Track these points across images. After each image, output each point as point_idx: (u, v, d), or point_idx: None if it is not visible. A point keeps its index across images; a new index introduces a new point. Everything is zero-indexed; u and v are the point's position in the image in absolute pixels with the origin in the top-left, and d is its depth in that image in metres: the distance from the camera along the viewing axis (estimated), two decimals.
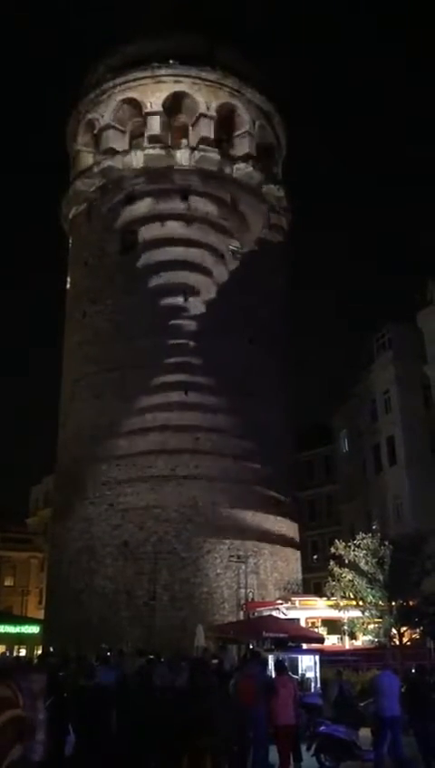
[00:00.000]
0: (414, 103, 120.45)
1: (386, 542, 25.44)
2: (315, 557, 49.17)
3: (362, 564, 24.94)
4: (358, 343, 50.69)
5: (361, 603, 24.86)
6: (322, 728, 12.92)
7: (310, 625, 25.98)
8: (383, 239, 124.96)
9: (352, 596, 25.04)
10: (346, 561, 25.39)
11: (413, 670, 13.28)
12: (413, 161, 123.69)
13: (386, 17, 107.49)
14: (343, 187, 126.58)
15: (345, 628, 25.84)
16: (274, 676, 12.23)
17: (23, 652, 35.14)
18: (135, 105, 38.15)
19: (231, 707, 8.11)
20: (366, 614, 24.85)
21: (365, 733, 13.08)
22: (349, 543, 26.02)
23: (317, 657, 19.97)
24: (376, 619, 24.72)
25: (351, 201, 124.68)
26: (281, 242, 41.26)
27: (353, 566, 25.08)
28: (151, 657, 18.12)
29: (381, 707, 11.63)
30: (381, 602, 24.33)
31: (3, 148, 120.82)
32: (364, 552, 25.21)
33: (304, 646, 21.92)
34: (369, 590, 24.45)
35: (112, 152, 37.68)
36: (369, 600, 24.46)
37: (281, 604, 26.34)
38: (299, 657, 20.12)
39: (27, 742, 1.81)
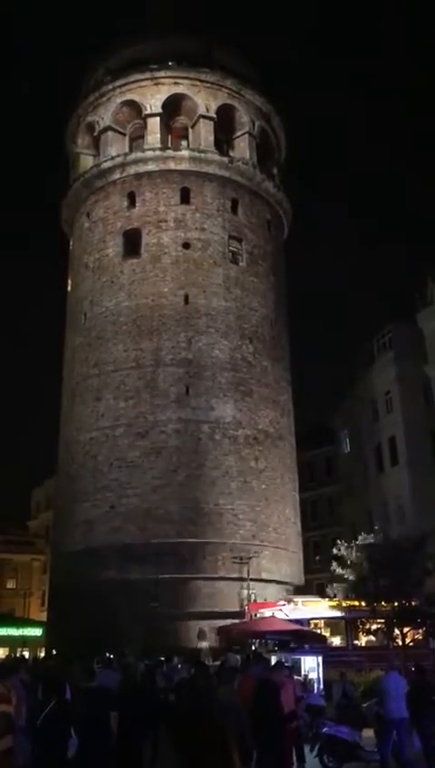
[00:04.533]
0: (414, 101, 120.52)
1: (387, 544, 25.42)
2: (317, 558, 49.11)
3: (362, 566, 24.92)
4: (359, 343, 50.68)
5: (363, 604, 24.82)
6: (325, 729, 12.88)
7: (312, 626, 25.92)
8: (383, 239, 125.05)
9: (353, 596, 25.01)
10: (348, 563, 25.36)
11: (413, 670, 13.25)
12: (414, 161, 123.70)
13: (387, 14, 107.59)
14: (343, 187, 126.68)
15: (348, 628, 25.75)
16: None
17: (26, 654, 35.10)
18: (134, 107, 38.19)
19: (233, 707, 8.11)
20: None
21: (368, 733, 13.05)
22: (350, 545, 26.00)
23: (320, 658, 19.93)
24: (379, 620, 24.68)
25: (350, 201, 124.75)
26: (281, 242, 41.33)
27: (355, 567, 25.06)
28: (162, 659, 18.23)
29: (388, 709, 11.60)
30: (383, 603, 24.29)
31: (2, 152, 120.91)
32: (365, 553, 25.18)
33: (307, 647, 21.87)
34: (372, 590, 24.42)
35: (112, 154, 37.72)
36: (371, 602, 24.42)
37: (283, 605, 26.30)
38: (302, 657, 20.09)
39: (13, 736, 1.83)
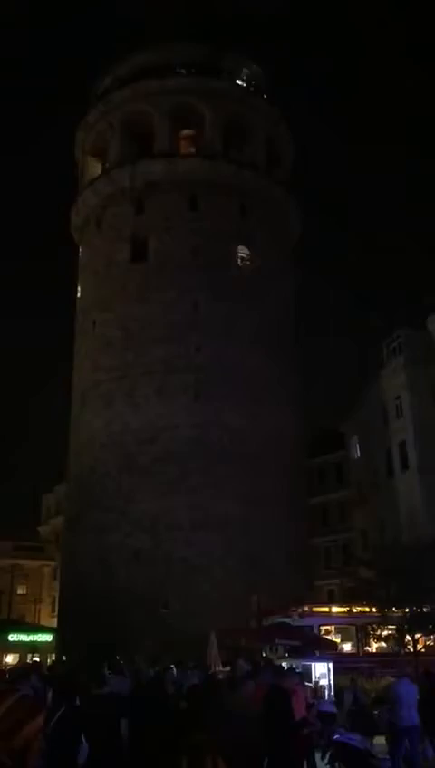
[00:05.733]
0: (419, 105, 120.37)
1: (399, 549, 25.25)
2: (328, 563, 48.90)
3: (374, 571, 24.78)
4: (368, 348, 50.59)
5: (374, 610, 24.65)
6: (336, 736, 12.78)
7: (323, 632, 25.76)
8: (393, 242, 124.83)
9: (365, 602, 24.84)
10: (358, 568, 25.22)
11: (423, 676, 13.15)
12: (419, 162, 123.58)
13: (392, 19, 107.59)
14: (351, 190, 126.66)
15: (359, 635, 25.61)
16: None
17: (36, 659, 35.08)
18: (143, 115, 38.35)
19: (239, 713, 8.08)
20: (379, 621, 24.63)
21: (380, 741, 12.95)
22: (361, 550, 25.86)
23: (331, 665, 19.81)
24: (390, 626, 24.49)
25: (359, 204, 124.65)
26: (290, 248, 41.32)
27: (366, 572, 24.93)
28: (173, 665, 18.18)
29: (400, 716, 11.51)
30: (394, 609, 24.11)
31: (13, 158, 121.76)
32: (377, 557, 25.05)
33: (318, 653, 21.75)
34: (383, 596, 24.26)
35: (121, 161, 37.91)
36: (382, 607, 24.25)
37: (293, 611, 26.15)
38: (312, 664, 19.97)
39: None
